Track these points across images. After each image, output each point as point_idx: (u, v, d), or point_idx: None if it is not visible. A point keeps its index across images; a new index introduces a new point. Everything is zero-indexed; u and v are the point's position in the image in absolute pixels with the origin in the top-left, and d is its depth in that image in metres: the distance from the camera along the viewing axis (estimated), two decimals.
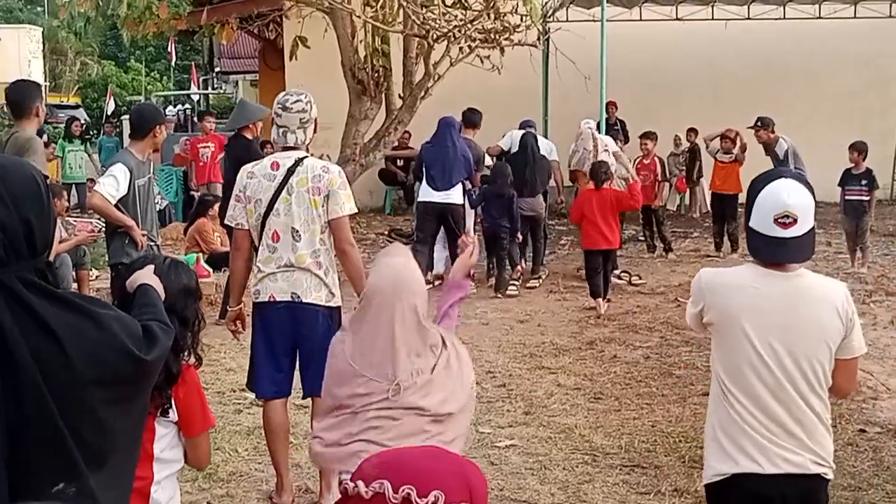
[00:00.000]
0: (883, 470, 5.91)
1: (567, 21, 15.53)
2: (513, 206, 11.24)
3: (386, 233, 15.40)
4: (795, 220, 3.34)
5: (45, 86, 36.63)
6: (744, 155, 13.26)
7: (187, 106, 32.38)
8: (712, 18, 17.06)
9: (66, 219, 10.22)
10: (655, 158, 13.60)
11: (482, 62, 13.20)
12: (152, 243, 7.00)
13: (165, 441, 3.30)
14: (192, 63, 41.00)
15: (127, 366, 2.41)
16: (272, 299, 5.30)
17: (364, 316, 3.55)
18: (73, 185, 18.22)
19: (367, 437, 3.29)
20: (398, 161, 17.56)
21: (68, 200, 12.79)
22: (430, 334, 3.50)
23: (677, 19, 16.96)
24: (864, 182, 12.20)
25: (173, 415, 3.28)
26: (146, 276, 2.99)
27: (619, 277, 11.62)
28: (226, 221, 5.75)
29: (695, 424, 6.44)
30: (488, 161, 12.25)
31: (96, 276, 11.05)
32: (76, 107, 38.58)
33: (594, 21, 14.67)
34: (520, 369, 8.13)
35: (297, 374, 5.48)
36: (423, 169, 11.29)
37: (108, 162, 8.05)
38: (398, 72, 13.51)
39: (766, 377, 3.37)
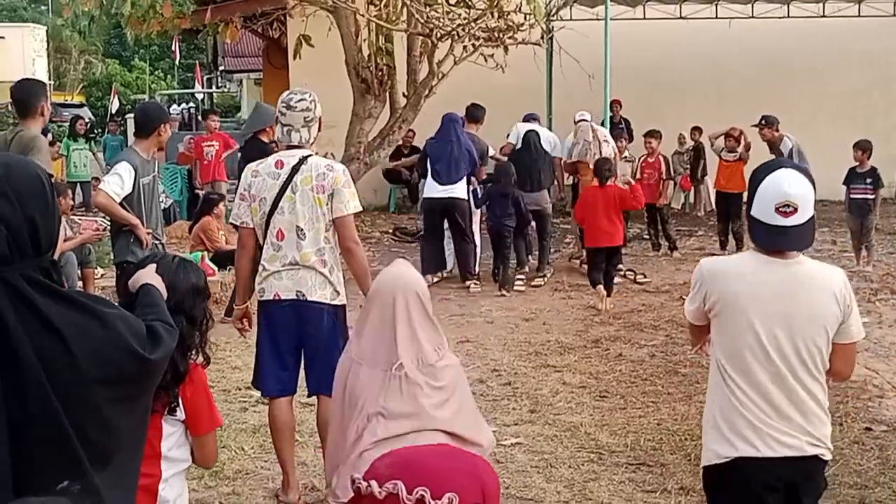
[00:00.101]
0: (889, 468, 5.90)
1: (571, 19, 15.53)
2: (519, 205, 11.26)
3: (390, 231, 15.40)
4: (796, 210, 3.42)
5: (50, 84, 36.60)
6: (748, 153, 13.23)
7: (191, 104, 32.46)
8: (716, 17, 17.04)
9: (71, 217, 10.23)
10: (660, 157, 13.59)
11: (486, 61, 13.21)
12: (157, 242, 7.00)
13: (173, 440, 3.30)
14: (196, 62, 41.03)
15: (131, 365, 2.41)
16: (277, 298, 5.30)
17: (367, 315, 3.58)
18: (78, 184, 18.24)
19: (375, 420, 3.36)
20: (403, 160, 17.55)
21: (73, 199, 12.82)
22: (435, 331, 3.53)
23: (681, 18, 16.94)
24: (868, 181, 12.18)
25: (181, 413, 3.28)
26: (148, 275, 2.99)
27: (624, 276, 11.61)
28: (231, 220, 5.76)
29: (700, 422, 6.41)
30: (492, 152, 12.27)
31: (101, 275, 11.07)
32: (80, 105, 38.55)
33: (598, 19, 14.66)
34: (525, 367, 8.12)
35: (302, 372, 5.48)
36: (428, 164, 11.32)
37: (112, 160, 8.05)
38: (402, 70, 13.52)
39: (765, 362, 3.46)
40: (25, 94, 6.57)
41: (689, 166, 16.60)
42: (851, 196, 12.35)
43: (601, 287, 10.31)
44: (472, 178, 11.49)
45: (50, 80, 39.10)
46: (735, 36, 17.10)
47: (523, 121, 12.63)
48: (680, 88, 17.95)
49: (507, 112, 13.48)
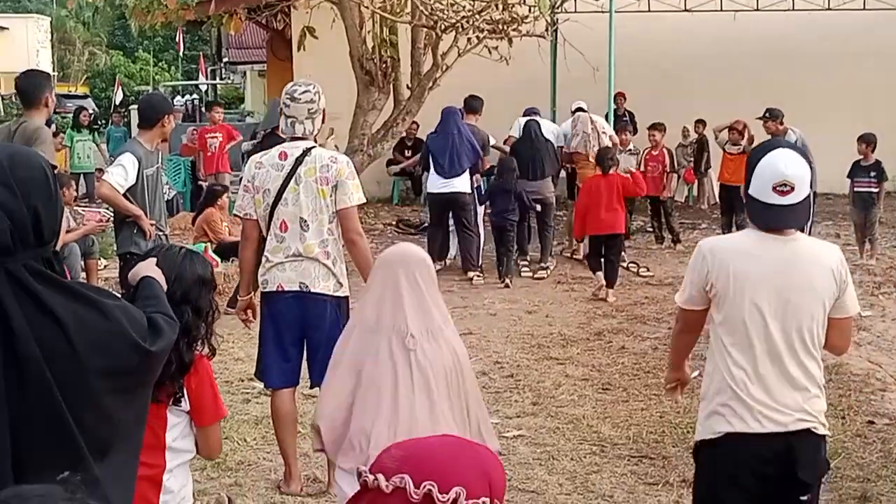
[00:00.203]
0: (891, 461, 5.91)
1: (575, 12, 15.48)
2: (522, 199, 11.30)
3: (394, 223, 15.39)
4: (793, 188, 3.51)
5: (54, 75, 36.64)
6: (752, 146, 13.21)
7: (195, 96, 32.42)
8: (721, 9, 16.97)
9: (75, 208, 10.22)
10: (664, 150, 13.59)
11: (490, 53, 13.19)
12: (161, 233, 7.01)
13: (177, 430, 3.30)
14: (200, 53, 41.05)
15: (132, 357, 2.41)
16: (280, 289, 5.30)
17: (370, 286, 3.67)
18: (82, 175, 18.22)
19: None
20: (406, 152, 17.55)
21: (77, 190, 12.81)
22: (439, 303, 3.61)
23: (686, 10, 16.88)
24: (872, 174, 12.17)
25: (185, 404, 3.28)
26: (148, 268, 2.99)
27: (627, 268, 11.63)
28: (235, 211, 5.77)
29: None
30: (493, 141, 12.27)
31: (105, 266, 11.08)
32: (84, 97, 38.62)
33: (602, 12, 14.62)
34: (528, 360, 8.13)
35: (304, 363, 5.49)
36: (431, 158, 11.33)
37: (116, 152, 8.04)
38: (406, 62, 13.51)
39: (764, 338, 3.52)
40: (30, 85, 6.58)
41: (692, 159, 16.56)
42: (855, 189, 12.34)
43: (601, 274, 10.39)
44: (476, 175, 11.54)
45: (54, 71, 39.14)
46: (740, 28, 17.04)
47: (524, 116, 12.62)
48: (684, 81, 17.90)
49: (511, 104, 13.47)
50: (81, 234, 9.31)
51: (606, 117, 14.15)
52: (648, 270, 11.80)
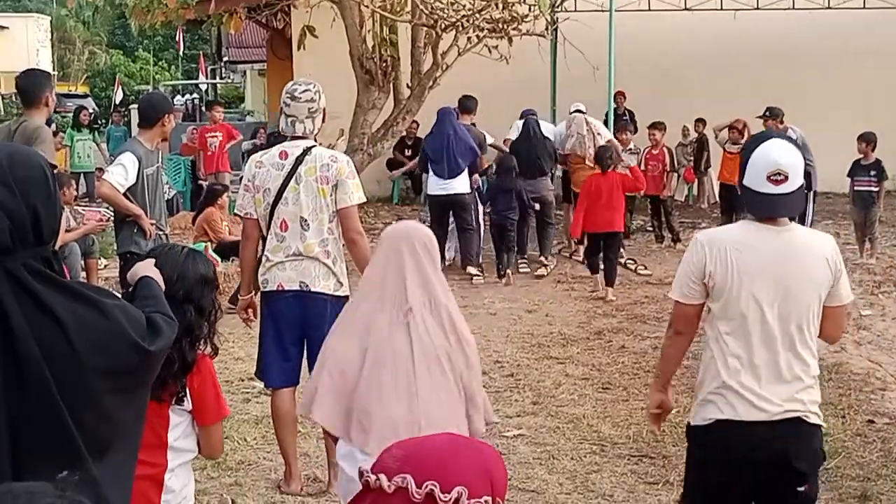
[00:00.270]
0: (891, 460, 5.91)
1: (575, 11, 15.48)
2: (521, 197, 11.35)
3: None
4: (787, 178, 3.57)
5: (54, 75, 36.62)
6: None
7: (195, 95, 32.45)
8: (721, 8, 16.97)
9: (75, 208, 10.22)
10: (664, 149, 13.59)
11: (490, 52, 13.20)
12: (161, 232, 7.01)
13: (179, 430, 3.30)
14: (200, 52, 41.05)
15: (131, 356, 2.41)
16: (280, 288, 5.31)
17: (373, 260, 3.71)
18: (82, 174, 18.22)
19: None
20: (406, 151, 17.55)
21: (77, 189, 12.80)
22: (440, 277, 3.64)
23: (686, 9, 16.89)
24: (872, 173, 12.17)
25: (188, 404, 3.28)
26: (147, 268, 2.99)
27: (625, 266, 11.65)
28: (235, 211, 5.77)
29: None
30: (491, 139, 12.28)
31: (105, 265, 11.08)
32: (84, 96, 38.62)
33: (602, 11, 14.62)
34: (528, 359, 8.13)
35: (305, 362, 5.49)
36: (428, 160, 11.34)
37: (116, 151, 8.05)
38: (406, 61, 13.51)
39: (761, 327, 3.57)
40: (30, 85, 6.57)
41: (692, 158, 16.57)
42: (855, 188, 12.34)
43: (598, 276, 10.47)
44: (475, 175, 11.54)
45: (54, 70, 39.13)
46: (740, 27, 17.05)
47: (521, 117, 12.62)
48: (684, 80, 17.90)
49: (511, 103, 13.47)
50: (81, 234, 9.30)
51: (606, 116, 14.17)
52: (646, 269, 11.80)
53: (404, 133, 15.51)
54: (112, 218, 7.66)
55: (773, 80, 17.19)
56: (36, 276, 2.31)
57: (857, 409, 6.80)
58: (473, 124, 12.23)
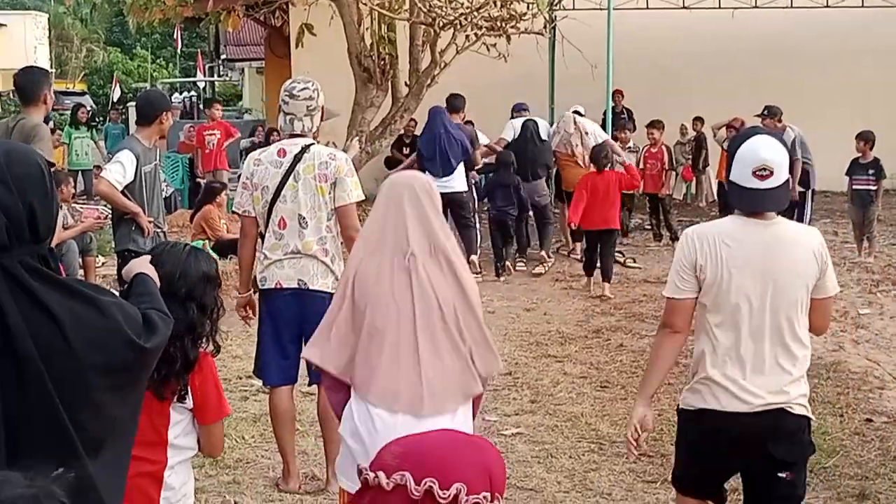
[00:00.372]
0: (890, 459, 5.90)
1: (574, 9, 15.48)
2: (519, 192, 11.45)
3: None
4: (772, 173, 3.65)
5: (52, 72, 36.58)
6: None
7: (193, 93, 32.40)
8: (719, 7, 16.98)
9: (73, 205, 10.21)
10: (663, 147, 13.59)
11: (488, 50, 13.19)
12: (159, 230, 7.00)
13: (180, 427, 3.30)
14: (198, 50, 40.95)
15: (127, 353, 2.41)
16: (279, 286, 5.30)
17: (374, 209, 3.67)
18: (80, 172, 18.22)
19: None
20: (404, 149, 17.54)
21: (74, 187, 12.80)
22: (442, 222, 3.62)
23: (684, 7, 16.90)
24: (871, 171, 12.17)
25: (189, 402, 3.28)
26: (142, 265, 2.98)
27: (616, 259, 11.73)
28: (233, 208, 5.77)
29: None
30: (484, 139, 12.27)
31: (102, 263, 11.07)
32: (82, 94, 38.50)
33: (601, 9, 14.61)
34: (526, 358, 8.13)
35: (303, 361, 5.48)
36: (423, 160, 11.34)
37: (114, 149, 8.03)
38: (404, 59, 13.51)
39: (749, 320, 3.66)
40: (29, 82, 6.56)
41: (690, 157, 16.57)
42: (854, 187, 12.34)
43: (592, 279, 10.55)
44: (473, 172, 11.56)
45: (51, 67, 39.07)
46: (738, 26, 17.05)
47: (513, 111, 12.64)
48: (682, 78, 17.90)
49: (509, 102, 13.44)
50: (79, 231, 9.30)
51: (605, 114, 14.16)
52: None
53: (402, 131, 15.49)
54: (110, 215, 7.66)
55: (771, 79, 17.20)
56: (33, 274, 2.31)
57: (856, 407, 6.79)
58: (470, 123, 12.24)
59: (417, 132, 15.74)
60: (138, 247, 6.53)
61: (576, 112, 12.35)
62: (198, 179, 16.14)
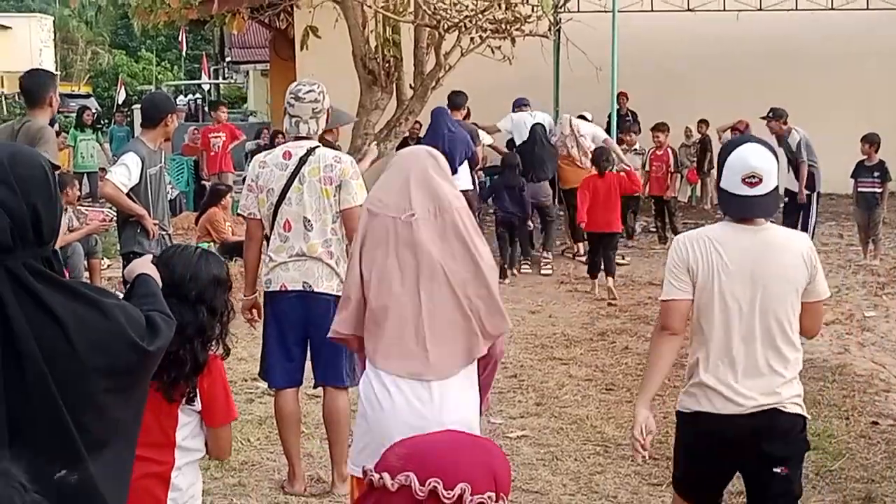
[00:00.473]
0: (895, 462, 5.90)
1: (578, 11, 15.49)
2: (524, 195, 11.47)
3: None
4: (761, 180, 3.71)
5: (57, 75, 36.67)
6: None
7: (198, 96, 32.42)
8: (724, 9, 16.98)
9: (78, 208, 10.22)
10: (668, 150, 13.60)
11: (493, 53, 13.17)
12: (164, 232, 7.01)
13: (188, 430, 3.29)
14: (203, 53, 41.03)
15: (130, 356, 2.41)
16: (284, 289, 5.30)
17: (381, 178, 3.68)
18: (85, 174, 18.25)
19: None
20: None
21: (80, 189, 12.81)
22: (452, 182, 3.64)
23: (689, 10, 16.89)
24: (876, 174, 12.16)
25: (198, 404, 3.28)
26: (143, 265, 2.98)
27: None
28: (238, 211, 5.77)
29: None
30: (486, 138, 12.29)
31: (108, 266, 11.09)
32: (87, 96, 38.63)
33: (605, 12, 14.62)
34: (531, 360, 8.12)
35: (308, 363, 5.48)
36: None
37: (119, 151, 8.06)
38: (409, 62, 13.49)
39: (739, 325, 3.72)
40: (34, 85, 6.57)
41: (695, 159, 16.59)
42: (859, 189, 12.34)
43: (596, 282, 10.61)
44: (480, 172, 11.61)
45: (57, 70, 39.12)
46: (743, 28, 17.04)
47: (514, 106, 12.69)
48: (687, 81, 17.90)
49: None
50: (85, 234, 9.31)
51: (609, 117, 14.17)
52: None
53: (407, 133, 15.49)
54: (115, 218, 7.66)
55: (775, 81, 17.18)
56: (36, 276, 2.31)
57: (861, 410, 6.78)
58: (475, 123, 12.26)
59: (422, 134, 15.78)
60: (143, 249, 6.54)
61: (581, 117, 12.39)
62: (203, 182, 16.17)
